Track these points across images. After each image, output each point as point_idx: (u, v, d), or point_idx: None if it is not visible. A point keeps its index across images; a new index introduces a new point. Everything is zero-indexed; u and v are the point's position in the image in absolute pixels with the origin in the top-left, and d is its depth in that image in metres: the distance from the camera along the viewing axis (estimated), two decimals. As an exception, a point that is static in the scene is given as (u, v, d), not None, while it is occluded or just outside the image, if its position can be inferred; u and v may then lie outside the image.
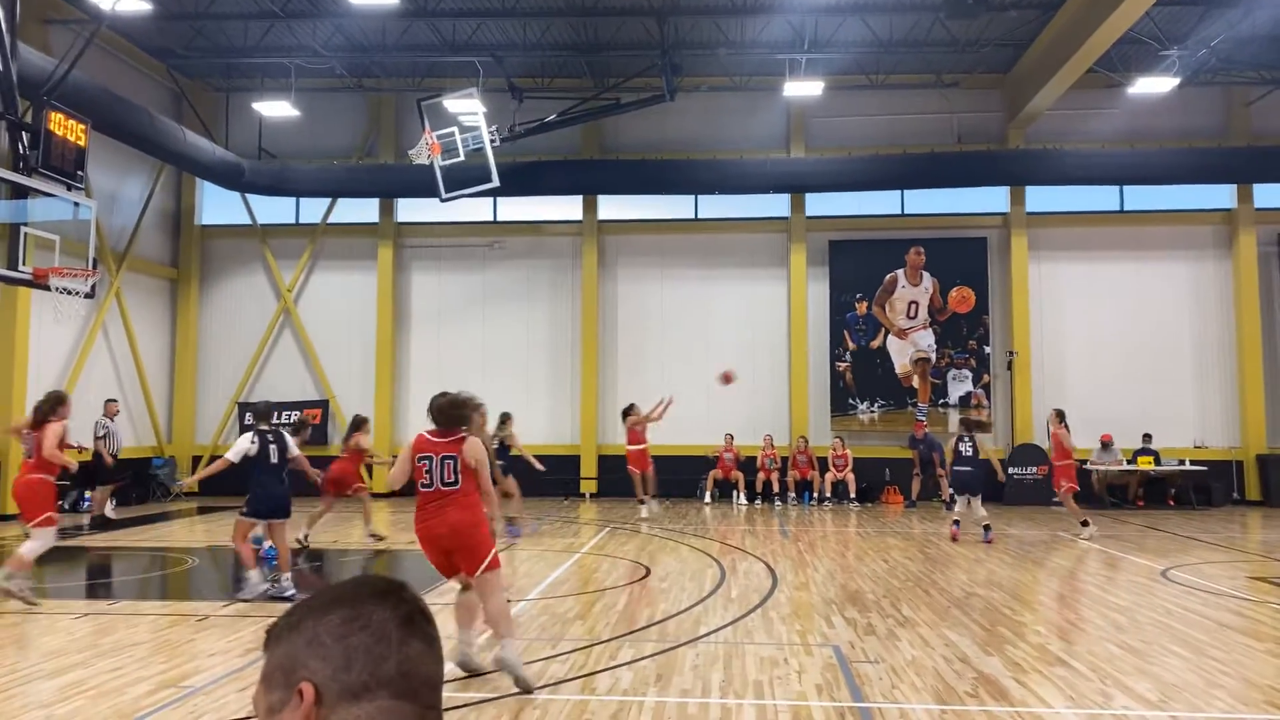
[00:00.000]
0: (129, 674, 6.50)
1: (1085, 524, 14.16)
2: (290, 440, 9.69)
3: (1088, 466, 18.94)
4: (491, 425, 14.31)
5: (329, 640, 1.19)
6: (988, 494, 14.15)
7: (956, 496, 13.90)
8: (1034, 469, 19.20)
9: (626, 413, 17.08)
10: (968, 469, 13.61)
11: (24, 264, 11.94)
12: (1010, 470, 19.26)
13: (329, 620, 1.21)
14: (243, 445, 9.30)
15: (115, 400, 17.03)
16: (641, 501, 16.80)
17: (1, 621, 8.35)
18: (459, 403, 6.59)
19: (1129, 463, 18.83)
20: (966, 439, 13.63)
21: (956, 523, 13.65)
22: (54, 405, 9.13)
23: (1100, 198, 20.51)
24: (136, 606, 9.04)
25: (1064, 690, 6.12)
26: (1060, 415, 14.60)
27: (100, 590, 10.46)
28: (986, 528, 13.42)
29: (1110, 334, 20.05)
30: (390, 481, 6.54)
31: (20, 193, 11.96)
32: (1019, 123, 19.97)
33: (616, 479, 20.36)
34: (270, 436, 9.43)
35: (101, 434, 15.65)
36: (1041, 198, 20.54)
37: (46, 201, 12.26)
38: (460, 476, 6.39)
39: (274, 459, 9.36)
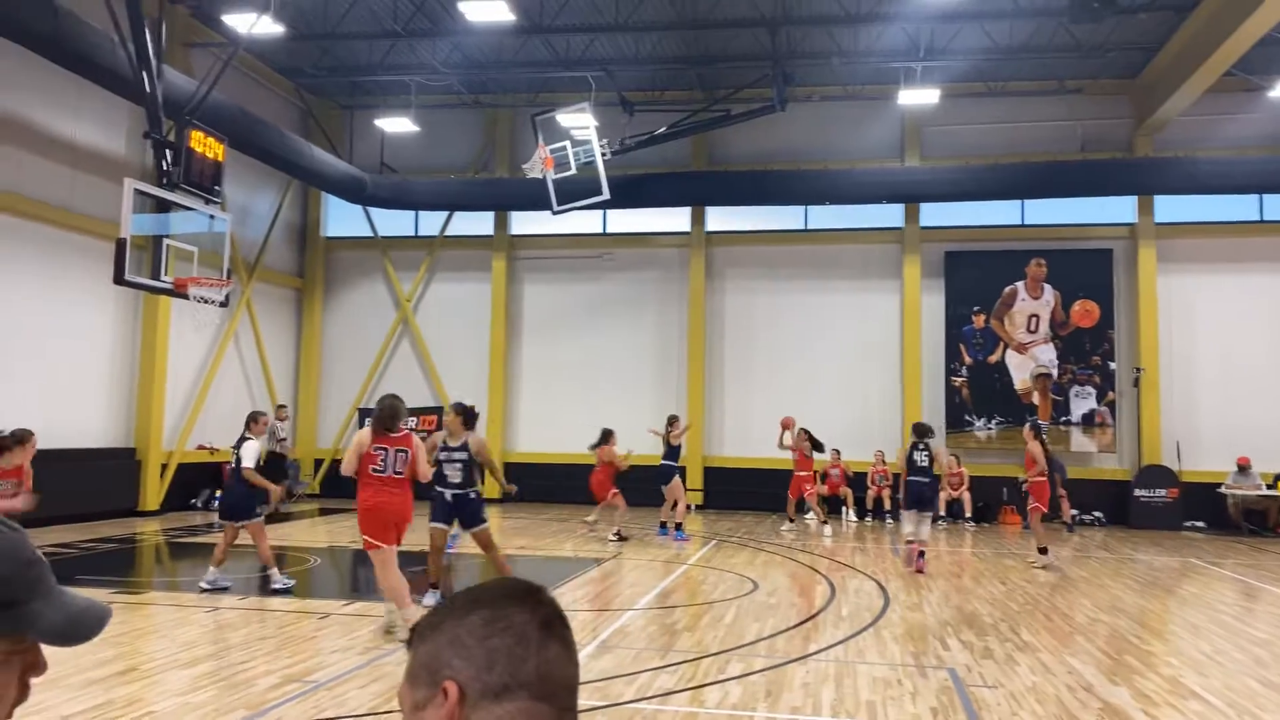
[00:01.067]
0: (257, 667, 6.79)
1: (1044, 551, 12.73)
2: (245, 451, 10.04)
3: (1222, 490, 17.97)
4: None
5: (471, 641, 1.22)
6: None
7: (906, 512, 12.43)
8: (1163, 491, 18.31)
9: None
10: (924, 480, 12.33)
11: (166, 274, 12.63)
12: (1137, 492, 18.45)
13: (470, 621, 1.24)
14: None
15: (285, 406, 18.45)
16: (824, 522, 16.66)
17: (140, 612, 8.83)
18: (400, 413, 8.03)
19: (1269, 487, 17.76)
20: (922, 448, 12.36)
21: (922, 554, 12.07)
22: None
23: (1237, 207, 19.45)
24: (263, 603, 9.43)
25: (1199, 726, 5.80)
26: (1035, 429, 13.34)
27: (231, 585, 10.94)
28: (921, 553, 12.05)
29: (1248, 350, 18.96)
30: (345, 469, 7.91)
31: (163, 207, 12.68)
32: (1148, 129, 19.14)
33: (722, 490, 20.31)
34: (235, 445, 10.19)
35: (283, 437, 17.51)
36: (1172, 207, 19.62)
37: (186, 215, 12.95)
38: (405, 468, 7.94)
39: (232, 465, 10.10)
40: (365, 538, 7.84)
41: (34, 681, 1.16)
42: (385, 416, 7.90)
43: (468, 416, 9.47)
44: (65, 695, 5.83)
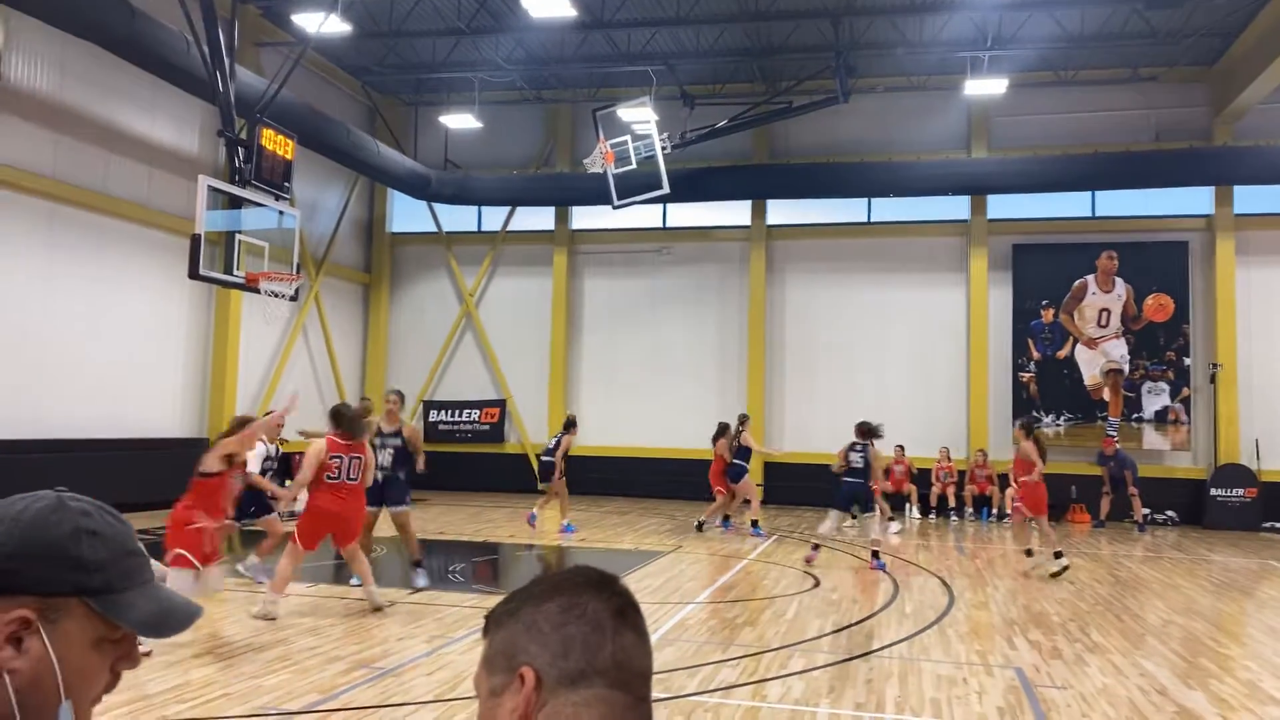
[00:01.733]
0: (326, 652, 6.94)
1: (1029, 553, 12.12)
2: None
3: (1304, 490, 17.36)
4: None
5: (547, 628, 1.23)
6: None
7: (834, 511, 12.06)
8: (1240, 491, 17.75)
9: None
10: (858, 481, 11.85)
11: (238, 268, 12.95)
12: (1213, 492, 17.91)
13: (547, 608, 1.24)
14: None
15: (368, 399, 18.75)
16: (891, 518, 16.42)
17: (214, 597, 9.08)
18: (363, 417, 8.89)
19: (1353, 488, 17.11)
20: (860, 447, 11.94)
21: (817, 546, 12.06)
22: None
23: (1322, 197, 18.74)
24: (331, 590, 9.63)
25: (1279, 732, 5.63)
26: (1026, 427, 12.12)
27: (299, 573, 11.17)
28: (876, 554, 11.73)
29: (1332, 346, 18.27)
30: (304, 481, 8.27)
31: (235, 203, 13.00)
32: (1226, 118, 18.52)
33: (783, 486, 20.17)
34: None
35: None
36: (1252, 198, 18.95)
37: (257, 211, 13.26)
38: (359, 474, 8.41)
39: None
40: (295, 532, 8.36)
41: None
42: (355, 424, 8.54)
43: (403, 403, 10.27)
44: (147, 676, 6.02)
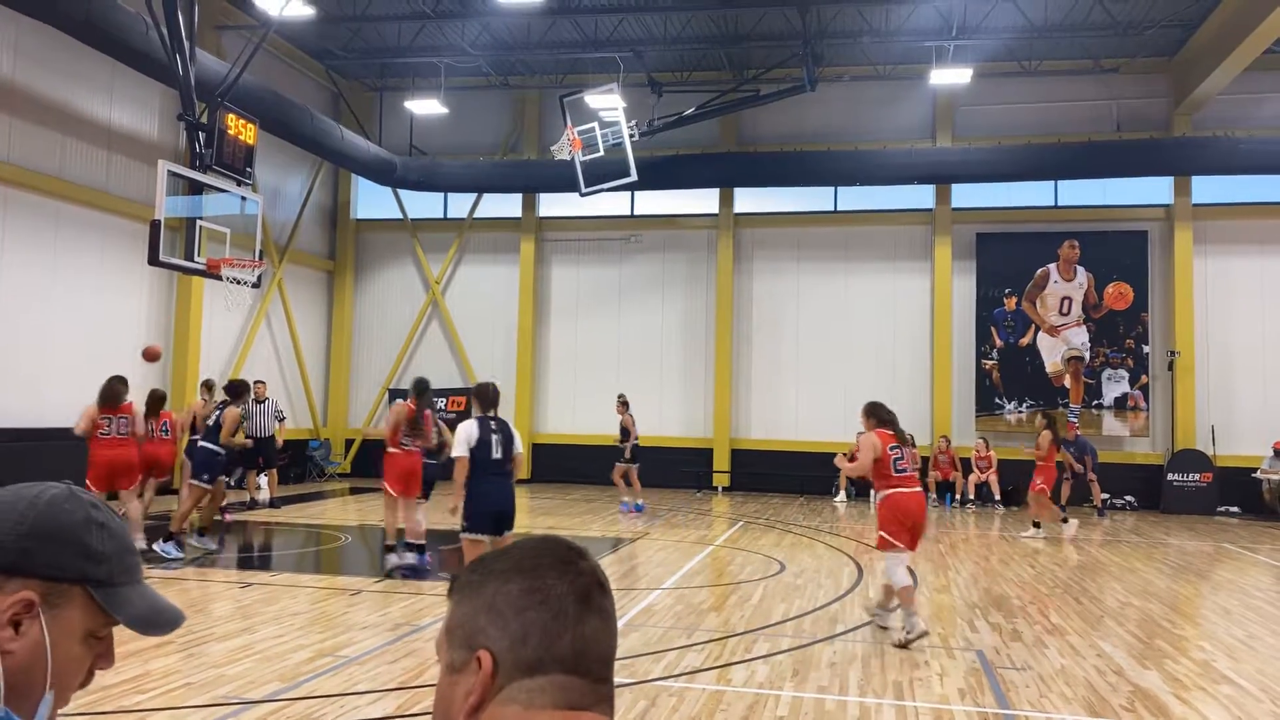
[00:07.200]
0: (290, 641, 6.90)
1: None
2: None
3: (1257, 475, 17.73)
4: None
5: (508, 612, 1.21)
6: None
7: None
8: (1196, 476, 18.10)
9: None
10: None
11: (199, 255, 12.76)
12: (1170, 477, 18.26)
13: (509, 590, 1.22)
14: None
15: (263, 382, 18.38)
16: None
17: (175, 587, 8.99)
18: (120, 394, 10.46)
19: (1305, 472, 17.50)
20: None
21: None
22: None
23: (1277, 188, 19.07)
24: (296, 579, 9.57)
25: (1231, 710, 5.76)
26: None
27: (264, 562, 11.12)
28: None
29: (1286, 334, 18.66)
30: (79, 430, 10.23)
31: (196, 189, 12.80)
32: (1186, 108, 18.79)
33: (749, 473, 20.30)
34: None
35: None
36: (1210, 188, 19.27)
37: (218, 197, 13.05)
38: (127, 430, 10.37)
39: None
40: (90, 483, 9.86)
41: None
42: (108, 396, 10.33)
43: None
44: (105, 667, 5.94)
